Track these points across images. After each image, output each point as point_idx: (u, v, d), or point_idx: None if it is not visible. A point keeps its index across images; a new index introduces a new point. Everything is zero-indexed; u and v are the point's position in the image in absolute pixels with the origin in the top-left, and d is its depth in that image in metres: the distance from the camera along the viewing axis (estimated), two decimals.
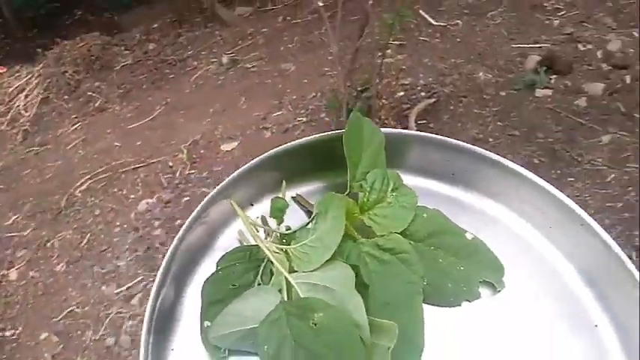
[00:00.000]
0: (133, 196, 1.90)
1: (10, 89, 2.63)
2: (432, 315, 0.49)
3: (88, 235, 1.79)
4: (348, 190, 0.54)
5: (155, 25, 3.00)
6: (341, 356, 0.39)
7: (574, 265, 0.54)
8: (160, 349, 0.46)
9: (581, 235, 0.52)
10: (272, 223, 0.56)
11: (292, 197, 0.60)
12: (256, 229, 0.51)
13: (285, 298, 0.45)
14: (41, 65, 2.67)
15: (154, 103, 2.47)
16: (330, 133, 0.59)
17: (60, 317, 1.57)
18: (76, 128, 2.44)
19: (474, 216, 0.58)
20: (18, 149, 2.41)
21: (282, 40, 2.59)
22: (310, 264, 0.46)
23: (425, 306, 0.49)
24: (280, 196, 0.56)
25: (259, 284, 0.49)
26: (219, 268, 0.49)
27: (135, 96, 2.59)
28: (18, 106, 2.54)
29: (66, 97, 2.56)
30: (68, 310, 1.59)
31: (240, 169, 0.55)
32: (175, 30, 2.95)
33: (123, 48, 2.80)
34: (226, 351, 0.46)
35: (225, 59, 2.58)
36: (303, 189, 0.61)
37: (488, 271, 0.52)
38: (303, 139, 0.59)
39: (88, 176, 2.04)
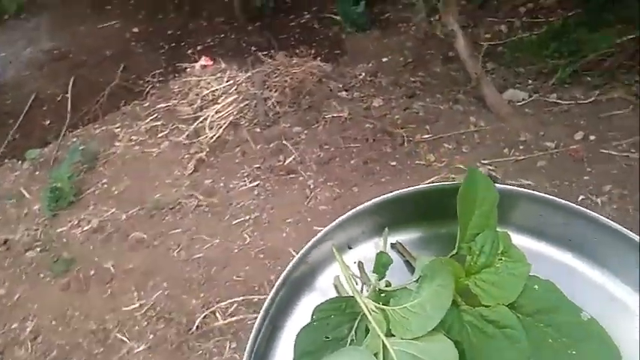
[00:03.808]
0: None
1: (206, 92, 2.04)
2: None
3: None
4: (455, 251, 0.51)
5: (384, 60, 2.17)
6: None
7: None
8: None
9: None
10: (369, 269, 0.54)
11: (391, 244, 0.58)
12: (355, 281, 0.50)
13: None
14: (246, 76, 2.08)
15: (363, 190, 1.65)
16: (438, 184, 0.56)
17: None
18: (251, 188, 1.71)
19: (591, 291, 0.53)
20: (180, 183, 1.76)
21: None
22: (410, 332, 0.44)
23: None
24: (382, 244, 0.54)
25: (353, 340, 0.47)
26: (314, 318, 0.49)
27: (334, 167, 1.75)
28: (206, 118, 1.94)
29: (257, 130, 1.89)
30: None
31: (346, 215, 0.54)
32: (410, 81, 2.08)
33: (341, 86, 2.06)
34: None
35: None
36: (404, 236, 0.59)
37: None
38: (411, 188, 0.57)
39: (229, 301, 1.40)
